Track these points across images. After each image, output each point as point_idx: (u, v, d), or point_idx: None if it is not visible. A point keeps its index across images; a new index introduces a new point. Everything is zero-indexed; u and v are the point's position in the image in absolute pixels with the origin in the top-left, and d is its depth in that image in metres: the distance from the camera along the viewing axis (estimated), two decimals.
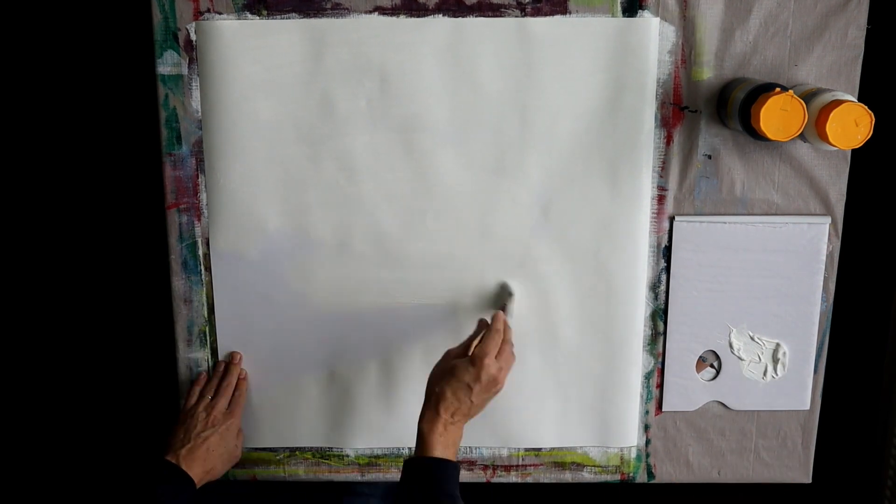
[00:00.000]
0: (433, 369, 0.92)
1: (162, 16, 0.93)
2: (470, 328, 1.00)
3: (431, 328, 1.01)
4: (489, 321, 0.94)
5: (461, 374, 0.89)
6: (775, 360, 1.02)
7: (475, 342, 0.92)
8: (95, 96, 1.09)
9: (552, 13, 0.92)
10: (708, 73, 0.94)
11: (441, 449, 0.88)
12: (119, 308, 1.14)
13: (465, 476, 1.06)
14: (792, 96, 0.84)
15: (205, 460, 0.94)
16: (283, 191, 0.97)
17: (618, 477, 1.06)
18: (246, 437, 1.03)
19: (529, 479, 1.07)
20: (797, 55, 0.94)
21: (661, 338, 1.02)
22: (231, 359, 1.01)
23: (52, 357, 1.17)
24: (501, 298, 0.99)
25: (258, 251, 0.99)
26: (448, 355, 0.93)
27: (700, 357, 1.02)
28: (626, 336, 1.01)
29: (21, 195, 1.13)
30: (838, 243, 0.99)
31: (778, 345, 1.01)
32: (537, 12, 0.92)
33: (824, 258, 0.99)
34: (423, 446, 0.88)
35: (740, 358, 1.02)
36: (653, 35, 0.93)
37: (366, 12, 0.92)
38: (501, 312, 0.94)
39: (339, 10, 0.92)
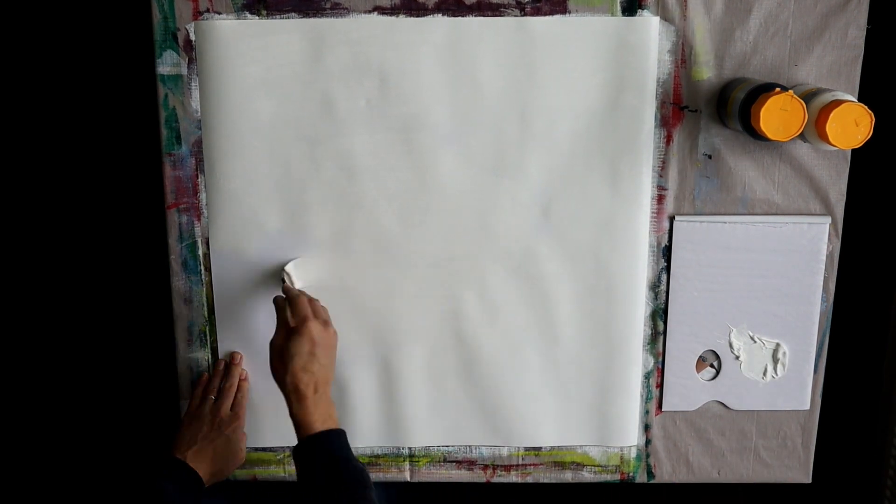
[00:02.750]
0: (271, 368, 0.92)
1: (161, 16, 0.93)
2: (471, 328, 1.00)
3: (431, 328, 1.01)
4: (277, 298, 0.94)
5: (297, 347, 0.89)
6: (775, 360, 1.02)
7: (287, 317, 0.91)
8: (95, 96, 1.09)
9: (552, 13, 0.92)
10: (708, 72, 0.94)
11: (320, 423, 0.88)
12: (119, 308, 1.14)
13: (464, 476, 1.06)
14: (792, 96, 0.84)
15: (212, 462, 0.94)
16: (283, 191, 0.97)
17: (618, 477, 1.06)
18: (248, 438, 1.03)
19: (529, 479, 1.07)
20: (797, 55, 0.94)
21: (661, 337, 1.02)
22: (231, 359, 1.01)
23: (52, 357, 1.17)
24: (281, 282, 0.98)
25: (258, 251, 0.99)
26: (273, 346, 0.92)
27: (700, 357, 1.02)
28: (626, 336, 1.01)
29: (21, 195, 1.13)
30: (838, 243, 0.99)
31: (778, 345, 1.01)
32: (537, 12, 0.92)
33: (824, 258, 0.99)
34: (304, 430, 0.88)
35: (739, 357, 1.02)
36: (653, 35, 0.93)
37: (365, 12, 0.92)
38: (286, 285, 0.95)
39: (338, 9, 0.92)
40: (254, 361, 1.02)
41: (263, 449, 1.05)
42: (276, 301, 0.95)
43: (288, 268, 0.97)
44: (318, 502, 0.84)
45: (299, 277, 0.98)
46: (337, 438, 0.88)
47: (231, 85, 0.94)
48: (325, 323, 0.92)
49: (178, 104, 0.95)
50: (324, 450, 0.87)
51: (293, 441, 1.04)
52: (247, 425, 1.02)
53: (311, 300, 0.93)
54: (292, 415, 0.89)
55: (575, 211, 0.97)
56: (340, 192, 0.97)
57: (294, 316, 0.91)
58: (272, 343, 0.92)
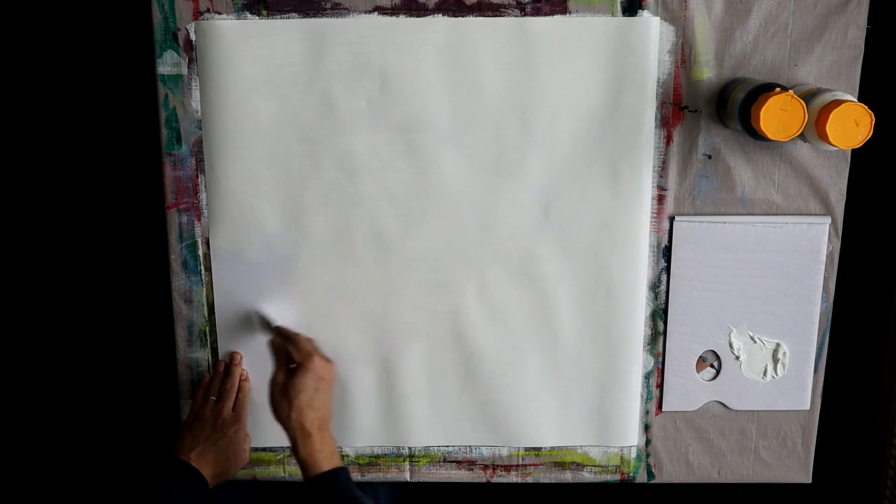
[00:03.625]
0: (272, 406, 0.92)
1: (162, 16, 0.93)
2: (471, 328, 1.00)
3: (431, 328, 1.01)
4: (275, 338, 0.95)
5: (303, 384, 0.90)
6: (775, 360, 1.02)
7: (291, 353, 0.92)
8: (95, 96, 1.09)
9: (552, 13, 0.92)
10: (708, 73, 0.94)
11: (327, 462, 0.88)
12: (119, 308, 1.14)
13: (465, 476, 1.06)
14: (792, 96, 0.84)
15: (215, 463, 0.94)
16: (283, 190, 0.97)
17: (618, 477, 1.06)
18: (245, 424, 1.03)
19: (529, 479, 1.07)
20: (797, 55, 0.94)
21: (661, 338, 1.02)
22: (231, 359, 1.01)
23: (53, 357, 1.17)
24: (261, 325, 0.99)
25: (258, 251, 0.99)
26: (275, 380, 0.92)
27: (700, 357, 1.02)
28: (626, 336, 1.01)
29: (21, 195, 1.13)
30: (838, 243, 0.99)
31: (778, 345, 1.01)
32: (537, 12, 0.92)
33: (824, 258, 0.99)
34: (311, 469, 0.88)
35: (739, 357, 1.02)
36: (653, 35, 0.93)
37: (365, 12, 0.92)
38: (279, 326, 0.96)
39: (338, 9, 0.92)
40: (254, 361, 1.02)
41: (263, 449, 1.05)
42: (273, 343, 0.95)
43: (266, 310, 0.98)
44: None
45: (280, 317, 0.98)
46: (344, 477, 0.89)
47: (231, 85, 0.94)
48: (327, 359, 0.93)
49: (179, 104, 0.95)
50: (333, 490, 0.87)
51: None
52: (248, 426, 1.02)
53: (309, 340, 0.94)
54: (297, 454, 0.89)
55: (575, 211, 0.97)
56: (340, 192, 0.97)
57: (298, 352, 0.92)
58: (273, 382, 0.92)
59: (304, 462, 0.89)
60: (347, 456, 1.05)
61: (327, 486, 0.87)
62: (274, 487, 1.07)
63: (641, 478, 1.06)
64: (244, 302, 1.00)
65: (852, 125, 0.83)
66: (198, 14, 0.93)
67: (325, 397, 0.91)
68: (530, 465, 1.06)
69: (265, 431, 1.04)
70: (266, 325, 0.98)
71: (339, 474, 0.88)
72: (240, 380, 1.01)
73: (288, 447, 1.05)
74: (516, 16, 0.92)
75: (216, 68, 0.93)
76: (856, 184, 0.98)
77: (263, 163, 0.96)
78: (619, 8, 0.92)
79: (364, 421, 1.04)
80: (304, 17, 0.93)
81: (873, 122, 0.83)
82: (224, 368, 1.01)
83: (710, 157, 0.97)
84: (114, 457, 1.17)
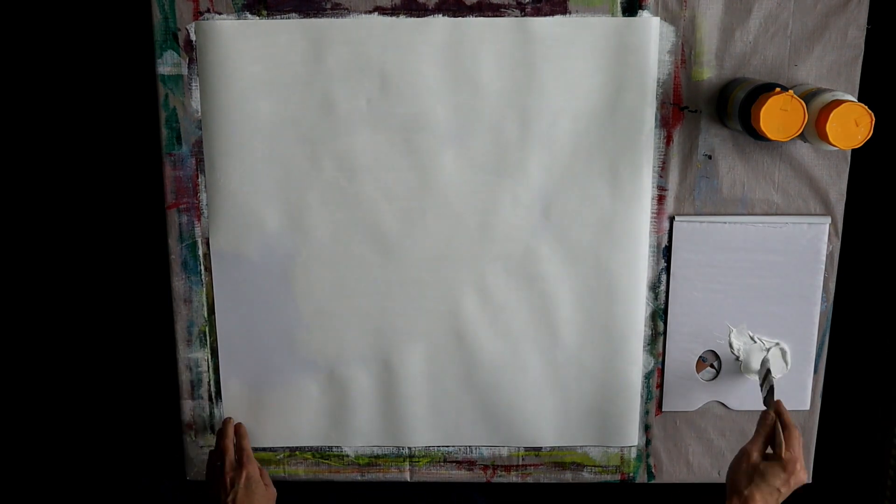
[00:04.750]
0: (733, 465, 0.90)
1: (162, 16, 0.93)
2: (471, 328, 1.00)
3: (431, 328, 1.01)
4: (772, 414, 0.91)
5: (772, 479, 0.87)
6: (776, 361, 1.02)
7: (780, 442, 0.89)
8: (95, 96, 1.09)
9: (552, 13, 0.92)
10: (708, 73, 0.94)
11: None
12: (119, 308, 1.14)
13: (464, 476, 1.06)
14: (792, 96, 0.84)
15: None
16: (283, 191, 0.97)
17: (618, 477, 1.06)
18: (249, 438, 1.03)
19: (529, 479, 1.07)
20: (797, 55, 0.94)
21: (661, 338, 1.02)
22: (223, 425, 1.01)
23: (52, 357, 1.17)
24: (763, 378, 0.97)
25: (258, 251, 0.99)
26: (748, 453, 0.90)
27: (700, 357, 1.02)
28: (626, 336, 1.01)
29: (21, 195, 1.13)
30: (838, 243, 0.99)
31: (778, 345, 1.01)
32: (537, 12, 0.92)
33: (824, 258, 0.99)
34: None
35: (739, 357, 1.02)
36: (653, 35, 0.93)
37: (366, 12, 0.92)
38: (782, 406, 0.92)
39: (338, 10, 0.92)
40: (254, 360, 1.02)
41: (263, 449, 1.05)
42: (781, 412, 0.92)
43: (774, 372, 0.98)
44: None
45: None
46: None
47: (231, 85, 0.94)
48: (805, 471, 0.89)
49: (179, 104, 0.95)
50: None
51: (293, 441, 1.05)
52: (247, 426, 1.02)
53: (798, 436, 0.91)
54: None
55: (575, 211, 0.97)
56: (340, 192, 0.97)
57: (790, 449, 0.89)
58: (749, 447, 0.90)
59: None
60: (347, 456, 1.06)
61: None
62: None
63: (641, 478, 1.06)
64: (244, 302, 1.00)
65: (852, 125, 0.83)
66: (198, 14, 0.93)
67: (779, 500, 0.88)
68: (530, 465, 1.06)
69: (265, 431, 1.04)
70: (764, 378, 0.96)
71: None
72: (238, 439, 1.00)
73: (288, 447, 1.05)
74: (516, 16, 0.92)
75: (216, 68, 0.93)
76: (856, 184, 0.98)
77: (263, 163, 0.96)
78: (619, 8, 0.92)
79: (364, 421, 1.04)
80: (304, 17, 0.93)
81: (873, 122, 0.83)
82: (218, 432, 1.01)
83: (710, 157, 0.97)
84: (112, 456, 1.17)
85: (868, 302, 1.13)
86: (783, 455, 0.88)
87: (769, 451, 0.90)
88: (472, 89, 0.94)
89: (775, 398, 0.93)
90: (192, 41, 0.93)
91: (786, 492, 0.88)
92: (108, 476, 1.18)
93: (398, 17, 0.93)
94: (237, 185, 0.97)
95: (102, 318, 1.15)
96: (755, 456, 0.89)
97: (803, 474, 0.89)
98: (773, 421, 0.91)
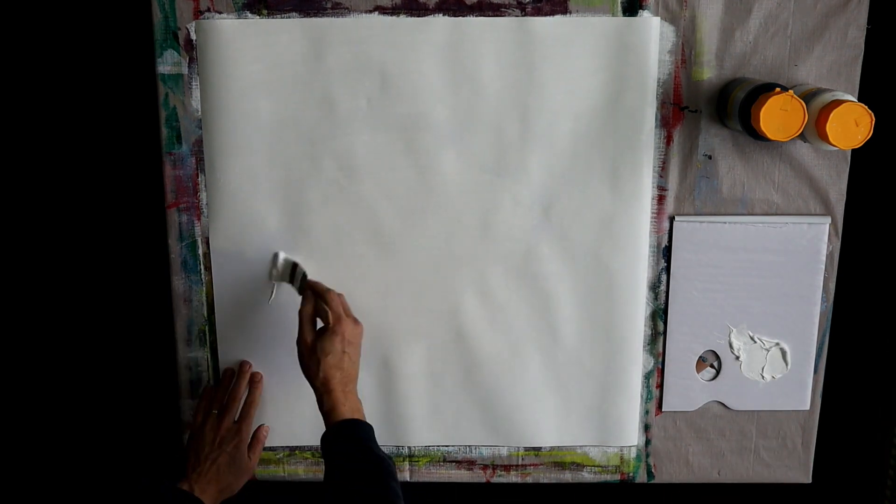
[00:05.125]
0: (301, 365, 0.92)
1: (162, 15, 0.93)
2: (471, 327, 1.00)
3: (431, 328, 1.01)
4: (309, 297, 0.93)
5: (331, 346, 0.90)
6: (775, 360, 1.02)
7: (325, 311, 0.92)
8: (95, 96, 1.08)
9: (552, 13, 0.92)
10: (708, 73, 0.94)
11: (349, 415, 0.88)
12: (119, 308, 1.14)
13: (464, 476, 1.06)
14: (792, 96, 0.84)
15: (217, 480, 0.94)
16: (284, 190, 0.97)
17: (618, 477, 1.06)
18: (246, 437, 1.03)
19: (529, 479, 1.07)
20: (797, 55, 0.94)
21: (661, 338, 1.02)
22: (240, 369, 1.01)
23: (52, 357, 1.17)
24: (291, 276, 0.98)
25: (258, 251, 0.99)
26: (303, 342, 0.92)
27: (700, 357, 1.02)
28: (626, 336, 1.01)
29: (21, 195, 1.13)
30: (838, 243, 0.99)
31: (778, 345, 1.01)
32: (537, 12, 0.92)
33: (824, 258, 0.99)
34: (333, 419, 0.88)
35: (739, 357, 1.02)
36: (653, 35, 0.93)
37: (366, 12, 0.92)
38: (311, 280, 0.95)
39: (339, 9, 0.92)
40: (253, 361, 1.02)
41: (263, 448, 1.05)
42: (311, 285, 0.94)
43: (300, 263, 0.97)
44: (339, 488, 0.83)
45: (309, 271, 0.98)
46: (362, 429, 0.88)
47: (232, 84, 0.94)
48: (355, 320, 0.94)
49: (179, 103, 0.95)
50: (347, 437, 0.87)
51: (293, 441, 1.05)
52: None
53: (340, 296, 0.94)
54: (321, 409, 0.89)
55: (575, 211, 0.97)
56: (340, 191, 0.97)
57: (329, 313, 0.92)
58: (300, 342, 0.92)
59: (326, 415, 0.89)
60: None
61: (344, 433, 0.87)
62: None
63: (641, 478, 1.06)
64: (244, 302, 1.00)
65: (852, 125, 0.83)
66: (198, 13, 0.93)
67: (354, 358, 0.91)
68: (530, 465, 1.06)
69: (268, 429, 1.04)
70: (291, 274, 0.97)
71: (357, 425, 0.88)
72: (251, 386, 1.00)
73: (288, 447, 1.05)
74: (517, 16, 0.92)
75: (216, 68, 0.93)
76: (856, 184, 0.98)
77: (263, 162, 0.96)
78: (619, 8, 0.92)
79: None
80: (304, 16, 0.93)
81: (873, 122, 0.83)
82: (230, 378, 1.01)
83: (710, 157, 0.97)
84: (111, 456, 1.17)
85: (868, 302, 1.13)
86: (331, 320, 0.91)
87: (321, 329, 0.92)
88: (473, 89, 0.94)
89: (306, 281, 0.95)
90: (192, 40, 0.93)
91: (351, 350, 0.91)
92: (109, 476, 1.18)
93: (398, 16, 0.93)
94: (237, 185, 0.97)
95: (102, 318, 1.15)
96: (309, 339, 0.91)
97: (351, 321, 0.91)
98: (311, 307, 0.93)
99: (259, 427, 1.01)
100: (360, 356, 0.94)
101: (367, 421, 0.90)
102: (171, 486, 0.91)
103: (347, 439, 0.87)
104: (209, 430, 0.97)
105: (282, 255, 0.97)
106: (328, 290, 0.94)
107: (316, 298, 0.93)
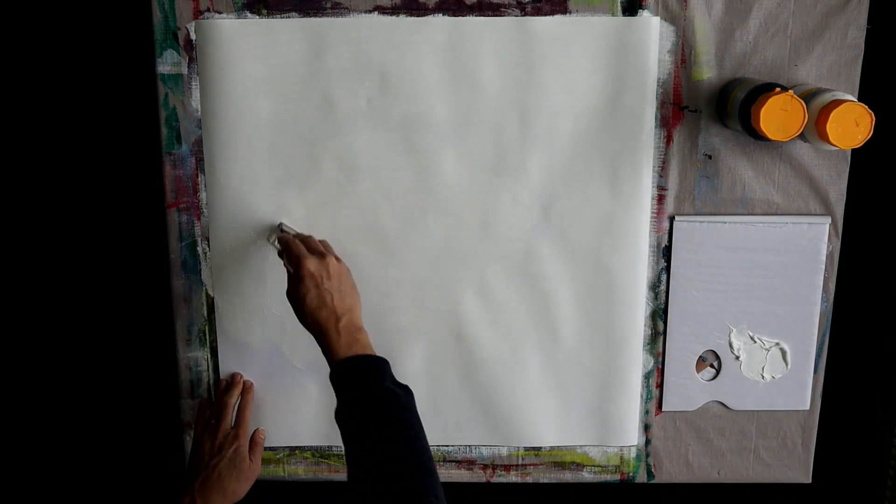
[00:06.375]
0: (296, 312, 0.88)
1: (162, 15, 0.93)
2: (471, 327, 1.00)
3: (431, 328, 1.01)
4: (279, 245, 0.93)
5: (301, 290, 0.86)
6: (775, 360, 1.02)
7: (285, 260, 0.90)
8: (95, 96, 1.08)
9: (552, 12, 0.92)
10: (708, 73, 0.94)
11: (344, 351, 0.84)
12: (119, 308, 1.14)
13: (464, 476, 1.06)
14: (792, 96, 0.84)
15: (220, 487, 0.94)
16: (284, 190, 0.97)
17: (617, 477, 1.06)
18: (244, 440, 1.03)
19: (529, 479, 1.07)
20: (797, 55, 0.94)
21: (661, 337, 1.02)
22: (232, 378, 1.01)
23: (52, 357, 1.17)
24: (271, 234, 0.98)
25: (258, 251, 0.99)
26: (288, 297, 0.89)
27: (700, 357, 1.02)
28: (626, 336, 1.01)
29: (21, 195, 1.13)
30: (838, 243, 0.99)
31: (778, 345, 1.01)
32: (537, 12, 0.92)
33: (824, 258, 0.99)
34: (331, 361, 0.84)
35: (739, 357, 1.02)
36: (653, 34, 0.93)
37: (366, 12, 0.92)
38: (281, 234, 0.94)
39: (338, 9, 0.92)
40: (254, 361, 1.02)
41: (264, 449, 1.05)
42: (280, 254, 0.92)
43: (283, 221, 0.97)
44: (352, 436, 0.79)
45: (296, 226, 0.97)
46: (362, 365, 0.83)
47: (231, 84, 0.94)
48: (322, 255, 0.89)
49: (179, 103, 0.95)
50: (349, 376, 0.82)
51: (293, 441, 1.05)
52: (250, 426, 1.02)
53: (304, 239, 0.91)
54: (328, 357, 0.85)
55: (575, 211, 0.97)
56: (340, 191, 0.97)
57: (287, 258, 0.89)
58: (287, 295, 0.89)
59: (326, 356, 0.85)
60: None
61: (345, 373, 0.82)
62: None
63: (641, 478, 1.06)
64: (244, 302, 1.00)
65: (852, 125, 0.83)
66: (198, 13, 0.93)
67: (335, 293, 0.87)
68: (530, 465, 1.06)
69: (265, 431, 1.04)
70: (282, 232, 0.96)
71: (356, 362, 0.83)
72: (243, 392, 1.00)
73: (288, 447, 1.05)
74: (516, 15, 0.92)
75: (216, 67, 0.93)
76: (856, 184, 0.98)
77: (263, 162, 0.96)
78: (619, 8, 0.92)
79: None
80: (304, 16, 0.93)
81: (873, 122, 0.83)
82: (224, 387, 1.01)
83: (710, 157, 0.97)
84: (111, 456, 1.17)
85: (868, 302, 1.12)
86: (287, 267, 0.89)
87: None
88: (472, 89, 0.94)
89: (280, 234, 0.94)
90: (191, 40, 0.93)
91: (330, 285, 0.87)
92: (108, 476, 1.18)
93: (398, 16, 0.93)
94: (237, 185, 0.97)
95: (102, 318, 1.15)
96: (289, 290, 0.88)
97: (315, 259, 0.87)
98: (285, 259, 0.90)
99: (255, 430, 1.01)
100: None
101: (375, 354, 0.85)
102: (174, 501, 0.91)
103: (350, 379, 0.82)
104: (207, 438, 0.97)
105: (282, 225, 0.97)
106: (290, 237, 0.91)
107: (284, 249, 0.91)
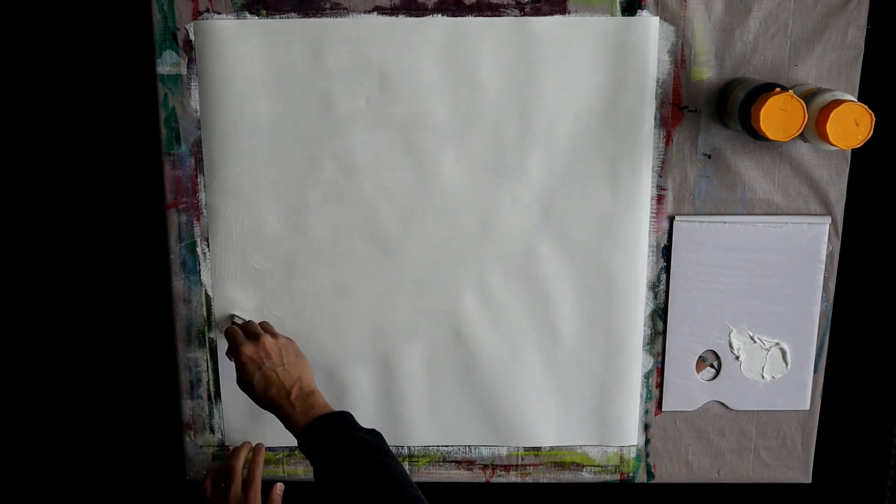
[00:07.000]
0: (251, 398, 0.92)
1: (161, 15, 0.93)
2: (471, 327, 1.00)
3: (431, 328, 1.01)
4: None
5: (245, 375, 0.91)
6: (775, 360, 1.02)
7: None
8: (95, 96, 1.08)
9: (551, 13, 0.92)
10: (708, 73, 0.94)
11: (303, 420, 0.87)
12: (118, 308, 1.14)
13: (464, 476, 1.06)
14: (792, 96, 0.83)
15: None
16: (283, 190, 0.97)
17: (617, 477, 1.06)
18: (245, 436, 1.03)
19: (529, 479, 1.07)
20: (797, 55, 0.94)
21: (661, 337, 1.02)
22: (241, 445, 1.02)
23: (52, 357, 1.17)
24: (223, 325, 1.00)
25: (258, 251, 0.99)
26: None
27: (700, 357, 1.02)
28: (626, 336, 1.01)
29: (20, 195, 1.13)
30: (838, 243, 0.99)
31: (778, 345, 1.01)
32: (536, 12, 0.92)
33: (824, 258, 0.99)
34: (295, 434, 0.87)
35: (739, 357, 1.02)
36: (652, 34, 0.92)
37: (365, 12, 0.92)
38: (229, 323, 0.99)
39: (338, 9, 0.92)
40: None
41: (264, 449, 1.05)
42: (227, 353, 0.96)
43: (235, 313, 1.00)
44: (334, 490, 0.81)
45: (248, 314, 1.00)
46: (324, 422, 0.86)
47: (231, 85, 0.94)
48: (257, 336, 0.93)
49: (178, 104, 0.95)
50: (315, 439, 0.86)
51: (293, 441, 1.04)
52: (247, 425, 1.02)
53: (246, 325, 0.95)
54: (286, 427, 0.89)
55: (575, 211, 0.97)
56: (340, 192, 0.97)
57: (231, 352, 0.93)
58: (237, 384, 0.93)
59: (293, 434, 0.88)
60: None
61: (309, 440, 0.85)
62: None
63: (641, 478, 1.06)
64: (244, 302, 1.00)
65: (852, 125, 0.83)
66: (197, 14, 0.93)
67: (279, 369, 0.91)
68: (530, 465, 1.06)
69: (264, 431, 1.04)
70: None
71: (314, 427, 0.86)
72: (253, 454, 1.00)
73: (288, 447, 1.05)
74: (516, 16, 0.92)
75: (216, 68, 0.93)
76: (856, 184, 0.98)
77: (263, 163, 0.96)
78: (618, 8, 0.92)
79: (363, 421, 1.03)
80: (303, 16, 0.92)
81: (873, 122, 0.83)
82: (232, 451, 1.01)
83: (710, 157, 0.97)
84: (110, 456, 1.17)
85: (868, 302, 1.12)
86: (231, 359, 0.94)
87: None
88: (472, 89, 0.94)
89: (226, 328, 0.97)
90: (191, 41, 0.93)
91: (270, 362, 0.91)
92: (108, 476, 1.18)
93: (397, 16, 0.93)
94: (237, 185, 0.97)
95: (102, 318, 1.15)
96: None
97: (249, 347, 0.92)
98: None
99: (273, 486, 1.00)
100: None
101: (342, 409, 0.88)
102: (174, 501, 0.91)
103: (318, 440, 0.85)
104: (219, 497, 0.96)
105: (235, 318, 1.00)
106: (229, 328, 0.96)
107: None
